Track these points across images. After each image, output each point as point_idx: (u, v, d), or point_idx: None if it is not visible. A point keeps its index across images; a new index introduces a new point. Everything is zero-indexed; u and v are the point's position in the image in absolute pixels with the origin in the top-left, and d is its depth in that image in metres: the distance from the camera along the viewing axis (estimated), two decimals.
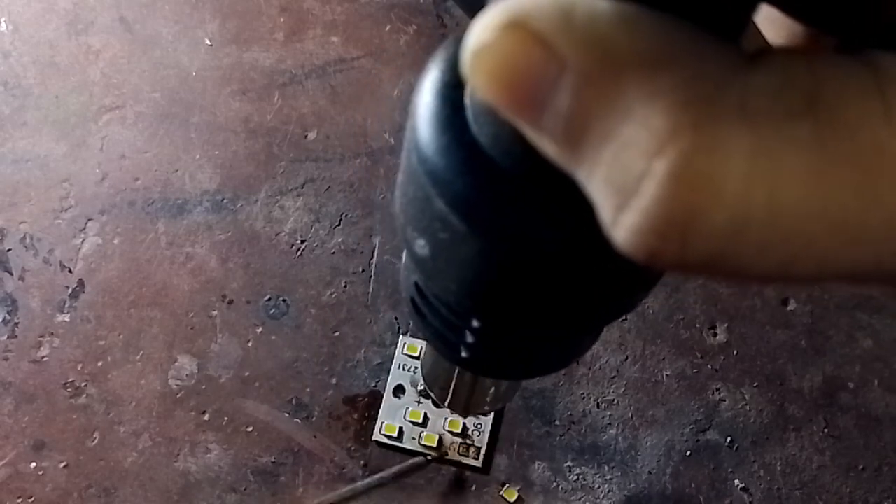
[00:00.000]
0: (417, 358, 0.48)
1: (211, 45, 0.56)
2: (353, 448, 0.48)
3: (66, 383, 0.49)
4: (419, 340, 0.48)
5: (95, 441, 0.48)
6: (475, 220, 0.12)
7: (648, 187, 0.09)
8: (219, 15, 0.56)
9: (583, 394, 0.49)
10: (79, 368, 0.49)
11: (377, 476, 0.43)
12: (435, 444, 0.47)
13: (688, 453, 0.48)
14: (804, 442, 0.48)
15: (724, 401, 0.49)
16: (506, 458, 0.48)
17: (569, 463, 0.48)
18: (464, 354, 0.18)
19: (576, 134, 0.09)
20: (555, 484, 0.47)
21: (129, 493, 0.46)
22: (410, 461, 0.45)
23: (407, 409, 0.47)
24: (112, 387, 0.49)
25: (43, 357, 0.49)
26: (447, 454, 0.47)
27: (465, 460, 0.47)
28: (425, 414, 0.47)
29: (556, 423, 0.49)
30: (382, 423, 0.47)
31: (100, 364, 0.49)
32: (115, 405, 0.48)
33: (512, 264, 0.13)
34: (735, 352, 0.50)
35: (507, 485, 0.47)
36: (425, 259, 0.14)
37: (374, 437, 0.47)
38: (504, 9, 0.09)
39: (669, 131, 0.09)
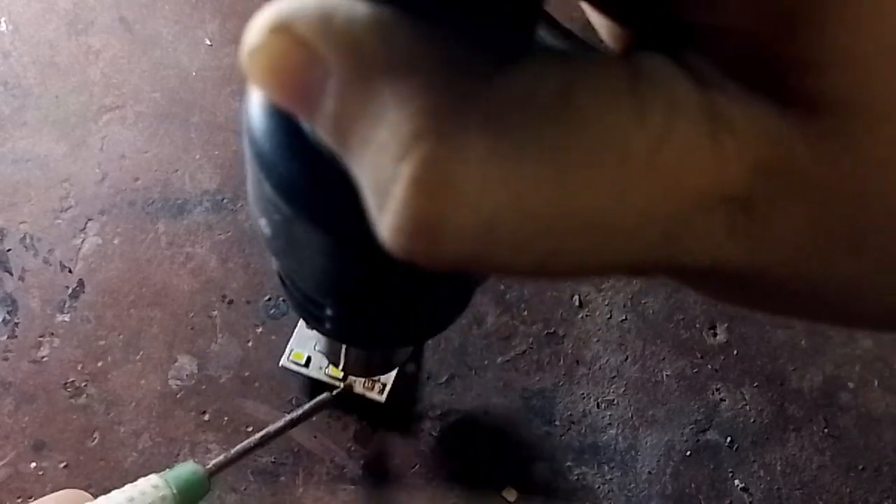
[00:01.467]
0: None
1: (211, 45, 0.56)
2: (353, 448, 0.48)
3: (66, 383, 0.49)
4: None
5: (95, 441, 0.48)
6: (299, 203, 0.12)
7: (396, 190, 0.09)
8: (219, 15, 0.56)
9: (583, 394, 0.49)
10: (79, 368, 0.49)
11: (287, 418, 0.43)
12: (340, 377, 0.47)
13: (688, 453, 0.48)
14: (804, 442, 0.48)
15: (724, 401, 0.49)
16: (506, 458, 0.48)
17: (569, 463, 0.48)
18: (328, 326, 0.18)
19: (342, 134, 0.10)
20: (555, 484, 0.47)
21: None
22: (317, 399, 0.44)
23: (318, 339, 0.48)
24: (112, 387, 0.49)
25: (43, 357, 0.49)
26: (353, 386, 0.46)
27: (369, 394, 0.47)
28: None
29: (556, 423, 0.49)
30: (291, 350, 0.48)
31: (100, 364, 0.49)
32: (115, 405, 0.48)
33: (339, 247, 0.13)
34: (735, 352, 0.50)
35: (507, 485, 0.47)
36: (269, 239, 0.14)
37: (280, 363, 0.47)
38: (272, 11, 0.10)
39: (412, 136, 0.09)
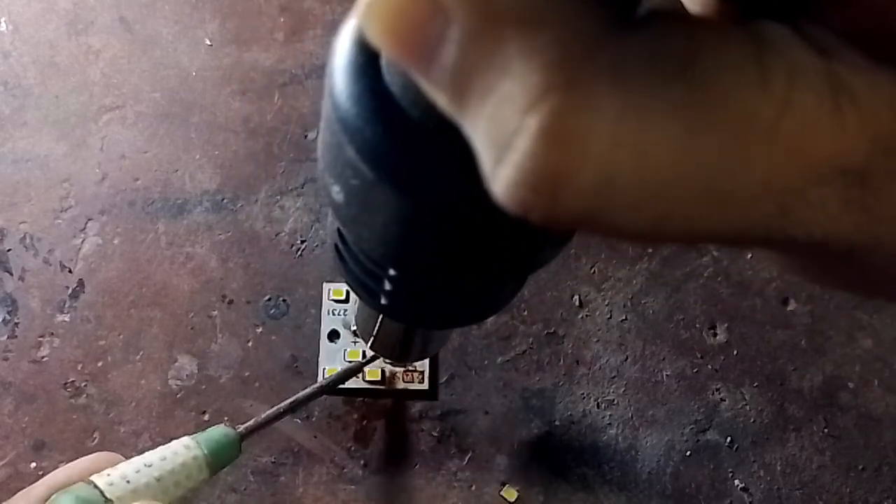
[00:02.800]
0: (344, 301, 0.49)
1: (211, 45, 0.56)
2: (353, 448, 0.48)
3: (66, 383, 0.49)
4: (343, 284, 0.49)
5: (95, 441, 0.48)
6: (383, 168, 0.12)
7: (520, 143, 0.09)
8: (219, 15, 0.56)
9: (583, 394, 0.49)
10: (79, 368, 0.49)
11: (317, 384, 0.43)
12: (379, 378, 0.47)
13: (688, 453, 0.48)
14: (804, 442, 0.48)
15: (724, 401, 0.49)
16: (506, 458, 0.48)
17: (569, 463, 0.48)
18: (383, 301, 0.18)
19: (461, 87, 0.10)
20: (555, 484, 0.47)
21: None
22: (346, 366, 0.45)
23: (345, 350, 0.48)
24: (112, 387, 0.49)
25: (43, 357, 0.49)
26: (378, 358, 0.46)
27: (412, 387, 0.47)
28: (363, 352, 0.47)
29: (556, 423, 0.49)
30: (324, 368, 0.48)
31: (100, 364, 0.49)
32: (115, 405, 0.48)
33: (420, 213, 0.13)
34: (735, 352, 0.50)
35: (507, 485, 0.47)
36: (340, 205, 0.14)
37: (317, 384, 0.48)
38: None
39: (542, 89, 0.09)
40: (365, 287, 0.18)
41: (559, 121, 0.09)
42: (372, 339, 0.28)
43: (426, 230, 0.13)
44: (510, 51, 0.09)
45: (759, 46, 0.09)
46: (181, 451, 0.33)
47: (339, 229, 0.18)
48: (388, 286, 0.17)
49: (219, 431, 0.36)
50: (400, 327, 0.26)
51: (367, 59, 0.12)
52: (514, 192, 0.09)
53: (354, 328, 0.48)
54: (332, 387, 0.44)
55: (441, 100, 0.10)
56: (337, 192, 0.14)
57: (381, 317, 0.25)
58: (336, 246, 0.18)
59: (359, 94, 0.12)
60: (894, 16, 0.09)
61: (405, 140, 0.12)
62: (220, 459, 0.35)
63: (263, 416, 0.40)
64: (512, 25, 0.09)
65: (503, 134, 0.09)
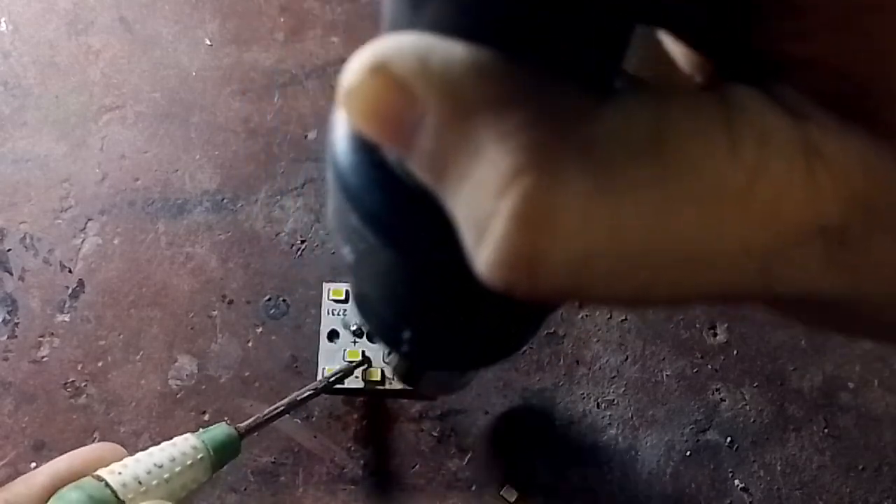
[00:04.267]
0: (344, 301, 0.48)
1: (211, 45, 0.56)
2: (353, 448, 0.48)
3: (66, 383, 0.49)
4: (343, 284, 0.49)
5: (95, 441, 0.48)
6: (385, 234, 0.12)
7: (496, 225, 0.09)
8: (219, 15, 0.56)
9: (583, 394, 0.49)
10: (79, 368, 0.49)
11: (315, 383, 0.43)
12: (379, 378, 0.47)
13: (688, 453, 0.48)
14: (804, 442, 0.48)
15: (724, 401, 0.49)
16: (506, 458, 0.48)
17: (569, 463, 0.48)
18: (405, 349, 0.18)
19: (439, 171, 0.10)
20: (555, 484, 0.47)
21: None
22: (342, 366, 0.45)
23: (344, 350, 0.48)
24: (112, 387, 0.49)
25: (43, 357, 0.49)
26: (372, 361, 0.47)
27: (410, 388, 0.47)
28: (363, 352, 0.47)
29: (556, 423, 0.49)
30: (324, 368, 0.48)
31: (100, 364, 0.49)
32: (115, 405, 0.48)
33: (423, 274, 0.13)
34: (735, 352, 0.50)
35: (507, 485, 0.47)
36: (352, 266, 0.15)
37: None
38: (370, 52, 0.10)
39: (512, 172, 0.09)
40: (387, 337, 0.19)
41: (530, 203, 0.09)
42: (405, 378, 0.29)
43: (432, 288, 0.14)
44: (482, 136, 0.09)
45: (728, 113, 0.09)
46: (189, 451, 0.34)
47: None
48: (406, 335, 0.18)
49: (222, 431, 0.36)
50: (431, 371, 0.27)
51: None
52: (495, 272, 0.09)
53: (354, 328, 0.48)
54: (331, 385, 0.44)
55: (423, 179, 0.10)
56: (348, 253, 0.14)
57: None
58: (357, 299, 0.19)
59: (358, 165, 0.12)
60: (861, 76, 0.09)
61: (404, 207, 0.12)
62: (222, 459, 0.35)
63: (262, 414, 0.40)
64: (481, 112, 0.09)
65: (480, 217, 0.09)
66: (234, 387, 0.49)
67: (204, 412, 0.48)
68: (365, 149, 0.12)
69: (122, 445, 0.46)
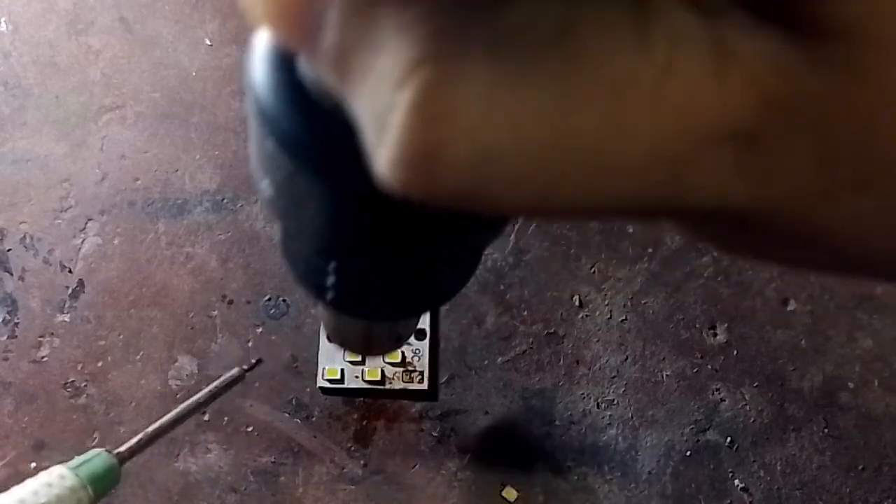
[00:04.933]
0: None
1: (211, 45, 0.56)
2: (353, 448, 0.48)
3: (66, 383, 0.49)
4: None
5: (95, 441, 0.48)
6: (302, 157, 0.12)
7: (395, 119, 0.09)
8: (219, 15, 0.56)
9: (583, 394, 0.49)
10: (79, 368, 0.49)
11: (196, 397, 0.40)
12: (379, 378, 0.47)
13: (688, 453, 0.48)
14: (804, 442, 0.48)
15: (724, 401, 0.49)
16: (506, 458, 0.48)
17: (569, 463, 0.48)
18: (330, 296, 0.18)
19: (342, 67, 0.09)
20: (555, 484, 0.47)
21: (129, 492, 0.46)
22: (229, 373, 0.42)
23: (344, 350, 0.48)
24: (112, 387, 0.49)
25: (43, 357, 0.49)
26: (262, 361, 0.45)
27: (412, 387, 0.47)
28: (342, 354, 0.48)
29: (556, 423, 0.49)
30: (324, 368, 0.47)
31: (100, 364, 0.49)
32: (115, 405, 0.48)
33: (343, 199, 0.13)
34: (735, 352, 0.50)
35: (507, 485, 0.47)
36: (271, 199, 0.14)
37: (318, 385, 0.47)
38: None
39: (413, 63, 0.09)
40: (311, 283, 0.18)
41: (429, 95, 0.09)
42: (330, 334, 0.28)
43: (352, 216, 0.13)
44: (384, 28, 0.09)
45: (640, 11, 0.09)
46: (55, 481, 0.31)
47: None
48: (331, 280, 0.17)
49: (100, 461, 0.33)
50: (356, 322, 0.26)
51: (281, 52, 0.12)
52: (392, 171, 0.09)
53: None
54: (216, 397, 0.42)
55: (329, 81, 0.10)
56: (267, 186, 0.14)
57: (335, 314, 0.25)
58: (282, 242, 0.19)
59: (274, 86, 0.12)
60: None
61: (321, 128, 0.12)
62: (99, 487, 0.32)
63: (144, 435, 0.37)
64: (384, 1, 0.09)
65: (380, 111, 0.09)
66: (235, 387, 0.49)
67: (204, 412, 0.48)
68: (281, 69, 0.12)
69: (122, 446, 0.46)
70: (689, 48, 0.09)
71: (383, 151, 0.09)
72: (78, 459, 0.33)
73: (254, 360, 0.44)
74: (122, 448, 0.35)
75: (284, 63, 0.12)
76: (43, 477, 0.31)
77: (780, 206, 0.10)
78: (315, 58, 0.10)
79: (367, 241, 0.15)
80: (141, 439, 0.36)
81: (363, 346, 0.31)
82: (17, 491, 0.31)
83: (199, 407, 0.40)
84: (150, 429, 0.37)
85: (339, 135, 0.11)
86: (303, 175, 0.12)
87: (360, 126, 0.10)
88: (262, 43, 0.13)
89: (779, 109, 0.09)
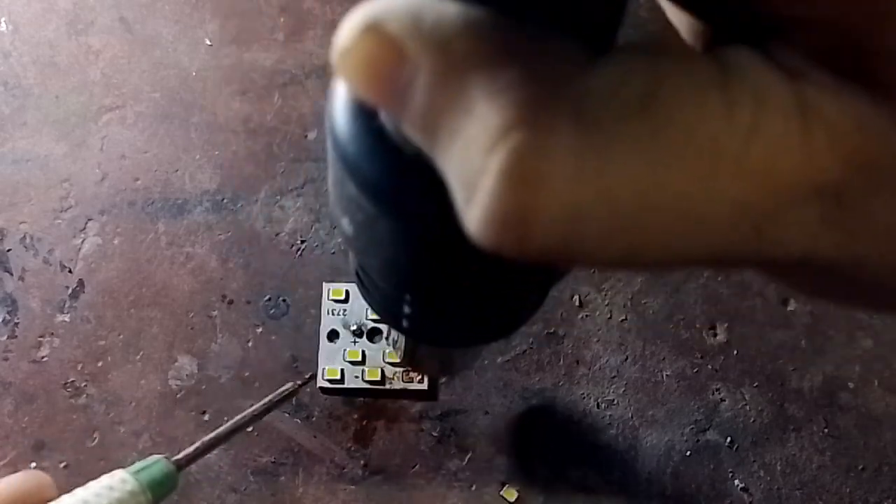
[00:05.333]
0: (344, 301, 0.49)
1: (211, 45, 0.56)
2: (353, 448, 0.48)
3: (66, 383, 0.49)
4: (342, 284, 0.49)
5: (95, 441, 0.48)
6: (383, 201, 0.12)
7: (485, 183, 0.09)
8: (219, 15, 0.56)
9: (583, 394, 0.49)
10: (79, 368, 0.49)
11: (253, 408, 0.41)
12: (379, 378, 0.47)
13: (688, 453, 0.48)
14: (804, 442, 0.48)
15: (724, 401, 0.49)
16: (506, 458, 0.48)
17: (569, 463, 0.48)
18: (405, 325, 0.18)
19: (431, 129, 0.10)
20: (555, 484, 0.47)
21: None
22: (283, 388, 0.43)
23: (344, 350, 0.48)
24: (112, 387, 0.49)
25: (43, 357, 0.49)
26: (317, 376, 0.46)
27: (411, 387, 0.47)
28: (363, 352, 0.47)
29: (556, 423, 0.49)
30: (324, 368, 0.47)
31: (100, 364, 0.49)
32: (115, 405, 0.48)
33: (422, 241, 0.13)
34: (735, 352, 0.50)
35: (507, 485, 0.47)
36: (350, 238, 0.14)
37: (318, 385, 0.47)
38: (363, 12, 0.10)
39: (503, 129, 0.09)
40: (387, 311, 0.19)
41: (520, 160, 0.09)
42: (408, 358, 0.28)
43: (431, 257, 0.14)
44: (473, 93, 0.09)
45: (723, 73, 0.09)
46: (117, 485, 0.32)
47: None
48: (407, 310, 0.18)
49: (159, 467, 0.34)
50: (429, 348, 0.26)
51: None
52: (485, 231, 0.09)
53: (354, 328, 0.48)
54: (275, 406, 0.43)
55: (416, 140, 0.10)
56: (346, 225, 0.14)
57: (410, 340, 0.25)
58: (357, 273, 0.19)
59: (356, 133, 0.12)
60: (858, 35, 0.09)
61: (401, 174, 0.12)
62: (157, 492, 0.33)
63: (202, 443, 0.38)
64: (473, 69, 0.09)
65: (470, 174, 0.09)
66: (234, 387, 0.49)
67: (204, 412, 0.48)
68: (363, 116, 0.12)
69: (122, 446, 0.46)
70: (773, 108, 0.09)
71: (474, 212, 0.09)
72: (138, 465, 0.33)
73: (307, 376, 0.46)
74: (180, 455, 0.36)
75: (365, 110, 0.12)
76: (105, 480, 0.32)
77: (866, 260, 0.10)
78: (403, 118, 0.10)
79: (444, 278, 0.15)
80: (198, 447, 0.37)
81: (434, 369, 0.31)
82: (80, 493, 0.31)
83: (254, 419, 0.41)
84: (207, 438, 0.38)
85: (420, 181, 0.12)
86: (383, 218, 0.13)
87: (448, 183, 0.10)
88: (342, 88, 0.13)
89: (863, 168, 0.09)
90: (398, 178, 0.12)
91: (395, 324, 0.19)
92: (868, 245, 0.10)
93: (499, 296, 0.17)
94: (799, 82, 0.09)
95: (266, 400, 0.42)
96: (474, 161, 0.09)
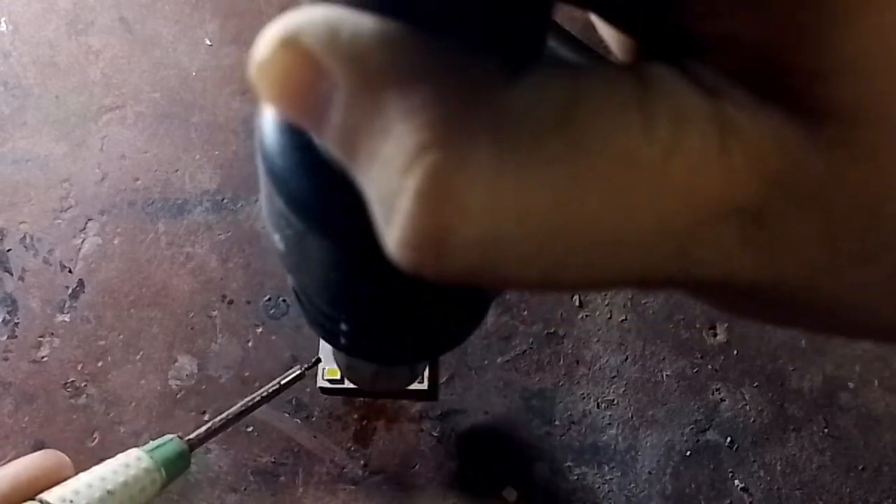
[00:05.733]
0: None
1: (211, 45, 0.56)
2: (353, 448, 0.48)
3: (66, 383, 0.49)
4: None
5: (95, 441, 0.48)
6: (311, 217, 0.12)
7: (402, 204, 0.09)
8: (219, 15, 0.56)
9: (583, 394, 0.49)
10: (79, 368, 0.49)
11: (262, 391, 0.41)
12: None
13: (688, 453, 0.48)
14: (804, 442, 0.48)
15: (724, 401, 0.49)
16: (506, 458, 0.48)
17: (569, 463, 0.48)
18: (343, 341, 0.18)
19: (350, 148, 0.10)
20: (555, 484, 0.47)
21: None
22: (290, 372, 0.43)
23: (335, 354, 0.47)
24: (112, 387, 0.49)
25: (43, 357, 0.49)
26: (319, 360, 0.45)
27: (412, 387, 0.47)
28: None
29: (556, 423, 0.49)
30: (324, 368, 0.47)
31: (100, 364, 0.49)
32: (115, 405, 0.48)
33: (350, 258, 0.13)
34: (735, 352, 0.50)
35: (507, 485, 0.47)
36: (282, 254, 0.14)
37: (318, 385, 0.47)
38: (280, 25, 0.10)
39: (417, 149, 0.09)
40: (324, 328, 0.18)
41: (434, 181, 0.09)
42: (343, 373, 0.28)
43: (361, 272, 0.14)
44: (389, 111, 0.09)
45: (643, 90, 0.09)
46: (132, 462, 0.32)
47: None
48: (343, 327, 0.18)
49: (172, 446, 0.34)
50: (366, 363, 0.26)
51: None
52: (403, 252, 0.09)
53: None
54: (283, 390, 0.43)
55: (336, 157, 0.10)
56: (278, 241, 0.14)
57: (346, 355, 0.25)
58: (294, 290, 0.19)
59: (283, 147, 0.12)
60: (777, 54, 0.09)
61: (329, 190, 0.12)
62: (171, 470, 0.34)
63: (212, 423, 0.38)
64: (389, 86, 0.09)
65: (388, 195, 0.09)
66: (234, 387, 0.49)
67: (204, 412, 0.48)
68: (291, 130, 0.12)
69: (122, 446, 0.46)
70: (692, 127, 0.09)
71: (392, 232, 0.09)
72: (152, 444, 0.34)
73: (314, 360, 0.45)
74: (192, 435, 0.36)
75: (293, 126, 0.12)
76: (121, 458, 0.33)
77: (786, 279, 0.10)
78: (322, 136, 0.10)
79: (376, 294, 0.15)
80: (210, 427, 0.37)
81: (371, 384, 0.31)
82: (97, 470, 0.32)
83: (263, 401, 0.41)
84: (218, 418, 0.38)
85: (348, 198, 0.11)
86: (311, 235, 0.12)
87: (369, 203, 0.10)
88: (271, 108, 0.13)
89: (782, 187, 0.09)
90: (326, 195, 0.12)
91: (332, 341, 0.19)
92: (786, 265, 0.10)
93: (431, 314, 0.17)
94: (719, 100, 0.09)
95: (274, 382, 0.42)
96: (391, 181, 0.09)
